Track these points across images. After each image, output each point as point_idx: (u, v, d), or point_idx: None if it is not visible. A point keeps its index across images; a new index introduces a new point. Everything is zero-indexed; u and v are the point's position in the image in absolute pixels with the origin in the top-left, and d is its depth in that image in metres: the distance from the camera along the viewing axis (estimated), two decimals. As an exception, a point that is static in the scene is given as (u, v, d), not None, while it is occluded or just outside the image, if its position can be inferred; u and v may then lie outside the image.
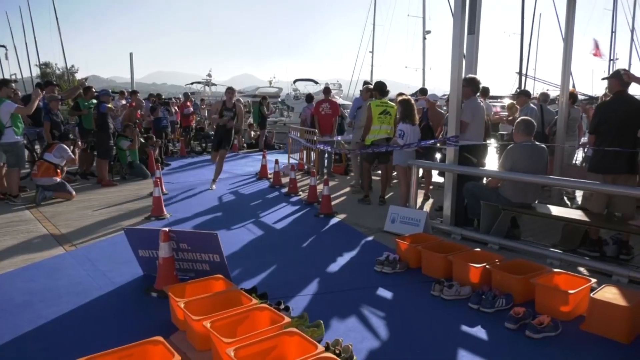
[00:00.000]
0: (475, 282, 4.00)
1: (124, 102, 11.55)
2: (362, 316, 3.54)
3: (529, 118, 5.54)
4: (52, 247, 5.15)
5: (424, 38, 35.63)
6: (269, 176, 9.68)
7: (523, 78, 22.40)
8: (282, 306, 3.50)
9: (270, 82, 34.81)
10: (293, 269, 4.58)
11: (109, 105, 9.04)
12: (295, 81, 30.39)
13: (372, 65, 37.64)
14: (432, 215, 6.36)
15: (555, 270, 4.02)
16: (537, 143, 5.35)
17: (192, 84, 38.81)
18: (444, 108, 8.15)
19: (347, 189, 8.77)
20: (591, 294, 3.44)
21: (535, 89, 23.05)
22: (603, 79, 5.41)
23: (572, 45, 7.26)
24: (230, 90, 8.69)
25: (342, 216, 6.65)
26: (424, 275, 4.40)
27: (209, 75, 37.62)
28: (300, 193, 8.15)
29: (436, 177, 8.65)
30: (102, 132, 8.85)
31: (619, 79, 4.92)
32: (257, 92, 28.87)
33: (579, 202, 6.99)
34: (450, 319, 3.54)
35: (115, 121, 9.65)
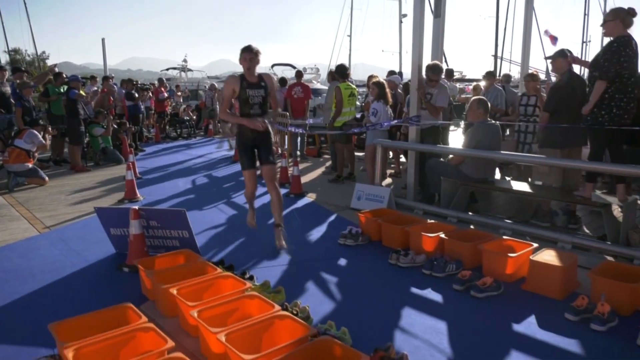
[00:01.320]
0: (430, 251, 4.29)
1: (95, 88, 11.51)
2: (322, 283, 3.80)
3: (484, 98, 5.83)
4: (25, 229, 5.27)
5: (400, 22, 35.83)
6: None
7: (498, 61, 22.84)
8: (247, 275, 3.73)
9: (248, 68, 34.49)
10: (260, 244, 4.80)
11: (80, 92, 9.05)
12: (273, 66, 30.32)
13: (350, 50, 37.73)
14: (399, 193, 6.64)
15: (502, 237, 4.34)
16: (493, 121, 5.65)
17: (167, 69, 38.36)
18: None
19: (321, 171, 8.99)
20: (531, 257, 3.76)
21: (511, 71, 23.49)
22: (547, 58, 5.68)
23: (531, 28, 7.58)
24: (249, 52, 4.33)
25: (312, 196, 6.89)
26: (384, 247, 4.67)
27: (185, 60, 37.22)
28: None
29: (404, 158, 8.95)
30: (72, 118, 8.87)
31: (565, 58, 5.22)
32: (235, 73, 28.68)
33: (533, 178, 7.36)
34: (404, 283, 3.82)
35: (87, 107, 9.66)
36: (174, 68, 38.63)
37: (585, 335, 3.02)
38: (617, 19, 4.37)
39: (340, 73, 7.80)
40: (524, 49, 7.79)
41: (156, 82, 15.80)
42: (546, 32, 5.21)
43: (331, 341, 2.49)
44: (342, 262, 4.32)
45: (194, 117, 16.76)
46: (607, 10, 4.70)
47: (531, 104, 6.36)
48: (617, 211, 5.09)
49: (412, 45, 6.00)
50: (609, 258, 4.24)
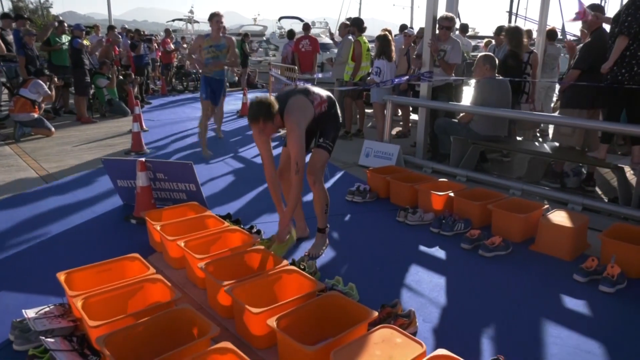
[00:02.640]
0: (438, 209, 4.25)
1: (98, 38, 11.26)
2: (330, 239, 3.78)
3: (490, 54, 5.64)
4: (33, 179, 5.27)
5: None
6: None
7: (513, 17, 22.09)
8: (255, 230, 3.72)
9: (255, 20, 33.85)
10: (267, 199, 4.75)
11: (84, 42, 8.84)
12: (280, 19, 29.58)
13: (360, 3, 36.56)
14: (408, 150, 6.55)
15: (512, 197, 4.28)
16: (501, 77, 5.47)
17: (173, 21, 37.56)
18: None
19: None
20: (541, 217, 3.71)
21: (526, 28, 22.69)
22: (575, 16, 5.40)
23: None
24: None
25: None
26: (392, 204, 4.63)
27: (191, 12, 36.40)
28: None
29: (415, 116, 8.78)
30: (77, 68, 8.70)
31: (598, 12, 4.99)
32: (241, 31, 28.13)
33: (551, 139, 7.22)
34: (412, 241, 3.81)
35: (91, 57, 9.47)
36: (180, 19, 37.79)
37: (593, 296, 3.00)
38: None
39: (358, 26, 7.52)
40: (543, 4, 7.45)
41: (162, 33, 15.44)
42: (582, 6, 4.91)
43: (339, 296, 2.48)
44: (350, 218, 4.30)
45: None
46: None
47: (523, 61, 6.13)
48: (630, 173, 5.00)
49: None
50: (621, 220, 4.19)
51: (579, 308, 2.89)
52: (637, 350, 2.49)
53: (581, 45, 5.42)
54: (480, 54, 5.83)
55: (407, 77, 6.63)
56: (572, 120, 5.03)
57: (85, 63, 8.80)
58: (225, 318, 2.62)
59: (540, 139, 7.35)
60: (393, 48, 6.97)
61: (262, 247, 3.07)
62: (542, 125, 7.29)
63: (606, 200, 4.85)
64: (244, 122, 9.30)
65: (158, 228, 3.28)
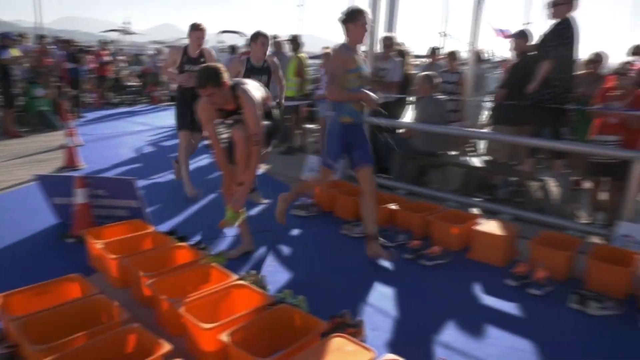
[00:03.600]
0: (381, 221, 4.40)
1: (24, 47, 10.69)
2: (276, 253, 3.82)
3: (431, 73, 5.96)
4: (-44, 198, 4.92)
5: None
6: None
7: (444, 38, 23.22)
8: (202, 245, 3.69)
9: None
10: (211, 214, 4.73)
11: (16, 53, 8.39)
12: (220, 33, 29.43)
13: (301, 20, 37.09)
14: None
15: (449, 209, 4.52)
16: (439, 96, 5.79)
17: (107, 32, 36.33)
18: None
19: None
20: (475, 227, 3.96)
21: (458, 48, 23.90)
22: (508, 36, 5.84)
23: (481, 6, 7.73)
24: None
25: (263, 167, 6.84)
26: (336, 218, 4.74)
27: (127, 23, 35.45)
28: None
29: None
30: (4, 79, 8.23)
31: (524, 38, 5.42)
32: (179, 44, 27.70)
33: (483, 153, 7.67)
34: (356, 252, 3.92)
35: (17, 68, 8.99)
36: (115, 30, 36.62)
37: (523, 299, 3.25)
38: (568, 3, 4.55)
39: (298, 44, 7.71)
40: (474, 27, 7.95)
41: (97, 45, 14.91)
42: (499, 30, 5.35)
43: (289, 309, 2.53)
44: (296, 232, 4.36)
45: (138, 84, 16.01)
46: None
47: (452, 80, 6.55)
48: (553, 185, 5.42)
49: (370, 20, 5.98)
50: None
51: (511, 310, 3.11)
52: (563, 346, 2.73)
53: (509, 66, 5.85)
54: (421, 73, 6.12)
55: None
56: (500, 136, 5.39)
57: (15, 74, 8.33)
58: (174, 336, 2.58)
59: (472, 154, 7.80)
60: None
61: (211, 262, 3.06)
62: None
63: (534, 210, 5.23)
64: (185, 136, 9.15)
65: (100, 246, 3.18)
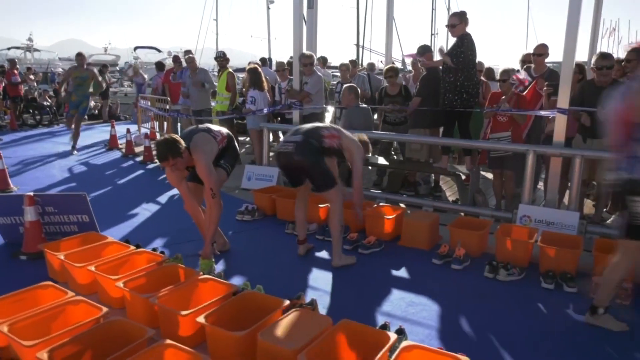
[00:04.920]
0: (322, 219, 4.87)
1: None
2: (229, 254, 4.16)
3: (354, 84, 6.57)
4: None
5: (268, 7, 36.06)
6: (120, 146, 9.53)
7: (360, 50, 24.40)
8: (159, 251, 3.93)
9: (106, 50, 32.41)
10: (161, 225, 4.96)
11: None
12: (135, 48, 28.75)
13: (217, 34, 36.95)
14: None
15: (380, 204, 5.09)
16: (364, 105, 6.39)
17: (9, 49, 34.05)
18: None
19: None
20: (403, 218, 4.53)
21: (372, 59, 25.17)
22: (416, 53, 6.55)
23: (392, 20, 8.54)
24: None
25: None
26: (279, 220, 5.13)
27: (30, 39, 33.45)
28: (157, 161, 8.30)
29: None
30: None
31: (430, 53, 6.15)
32: (91, 60, 26.70)
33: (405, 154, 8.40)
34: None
35: None
36: (17, 47, 34.41)
37: (448, 274, 3.84)
38: (463, 22, 5.31)
39: (226, 59, 8.05)
40: (387, 40, 8.75)
41: (6, 64, 14.18)
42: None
43: (253, 293, 2.90)
44: (244, 235, 4.70)
45: (53, 103, 15.38)
46: (451, 6, 5.59)
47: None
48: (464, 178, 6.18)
49: (293, 35, 6.48)
50: (462, 215, 5.22)
51: (437, 283, 3.68)
52: (481, 307, 3.32)
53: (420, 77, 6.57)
54: (345, 85, 6.68)
55: (280, 105, 7.26)
56: (418, 137, 6.07)
57: None
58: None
59: (395, 156, 8.53)
60: (264, 79, 7.57)
61: (175, 263, 3.33)
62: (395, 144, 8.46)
63: (450, 201, 5.95)
64: (115, 154, 9.11)
65: (62, 257, 3.34)
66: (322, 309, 3.18)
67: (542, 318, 3.21)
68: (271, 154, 8.43)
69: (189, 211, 3.95)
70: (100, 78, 9.31)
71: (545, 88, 5.13)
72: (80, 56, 8.88)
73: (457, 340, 2.89)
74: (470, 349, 2.71)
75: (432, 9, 31.94)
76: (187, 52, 9.31)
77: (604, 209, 5.31)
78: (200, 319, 2.52)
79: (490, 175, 6.26)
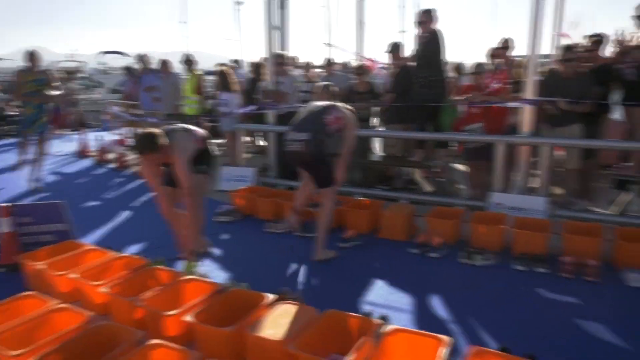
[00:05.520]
0: (305, 217, 4.92)
1: None
2: (211, 255, 4.19)
3: (328, 83, 6.64)
4: None
5: (238, 9, 35.84)
6: (92, 154, 9.39)
7: (331, 49, 24.53)
8: (139, 256, 3.93)
9: (72, 56, 31.80)
10: (142, 229, 4.94)
11: None
12: (101, 53, 28.31)
13: (187, 37, 36.53)
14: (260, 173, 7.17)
15: (358, 199, 5.19)
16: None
17: (-34, 58, 33.07)
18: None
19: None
20: (381, 211, 4.65)
21: (343, 58, 25.26)
22: (385, 51, 6.67)
23: (363, 18, 8.65)
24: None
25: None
26: (257, 219, 5.17)
27: (-11, 48, 32.56)
28: (131, 168, 8.22)
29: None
30: None
31: (399, 51, 6.28)
32: (57, 67, 26.14)
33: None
34: (283, 245, 4.43)
35: None
36: (-24, 57, 33.43)
37: (426, 262, 3.97)
38: (431, 19, 5.46)
39: (192, 62, 8.02)
40: (358, 38, 8.88)
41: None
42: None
43: (238, 290, 2.95)
44: (225, 236, 4.74)
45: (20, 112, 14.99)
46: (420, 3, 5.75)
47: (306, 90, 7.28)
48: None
49: (265, 37, 6.52)
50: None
51: (416, 271, 3.81)
52: (458, 291, 3.47)
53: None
54: (318, 83, 6.75)
55: (253, 107, 7.29)
56: (394, 133, 6.20)
57: None
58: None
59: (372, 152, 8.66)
60: (234, 80, 7.58)
61: (157, 266, 3.35)
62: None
63: (424, 193, 6.09)
64: (87, 162, 8.97)
65: (42, 266, 3.32)
66: (308, 302, 3.24)
67: (516, 298, 3.36)
68: (247, 155, 8.51)
69: (165, 213, 3.88)
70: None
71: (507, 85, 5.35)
72: (32, 55, 6.40)
73: (438, 323, 3.02)
74: (451, 330, 2.83)
75: (401, 6, 32.36)
76: (142, 56, 9.26)
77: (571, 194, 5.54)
78: (188, 318, 2.56)
79: (463, 167, 6.44)
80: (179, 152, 3.58)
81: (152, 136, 3.44)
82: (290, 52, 7.38)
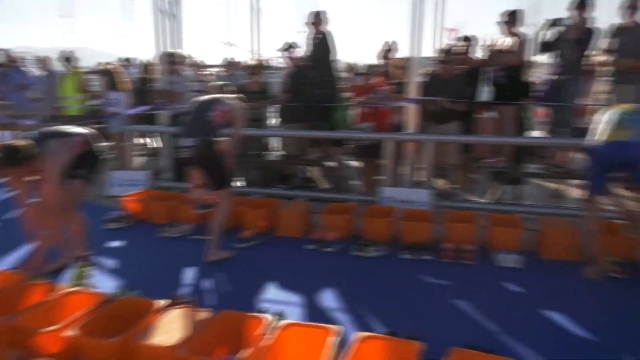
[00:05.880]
0: (195, 220, 4.83)
1: None
2: (102, 263, 3.95)
3: (225, 82, 6.57)
4: None
5: (132, 3, 34.00)
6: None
7: (230, 48, 24.18)
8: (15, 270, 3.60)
9: None
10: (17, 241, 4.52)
11: None
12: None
13: (74, 32, 33.93)
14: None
15: (256, 199, 5.21)
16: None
17: None
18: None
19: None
20: (279, 210, 4.72)
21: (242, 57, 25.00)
22: (278, 49, 6.74)
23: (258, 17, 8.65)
24: None
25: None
26: (150, 224, 4.96)
27: None
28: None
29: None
30: None
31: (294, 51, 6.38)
32: None
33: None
34: (179, 250, 4.32)
35: None
36: None
37: (321, 257, 4.11)
38: (321, 21, 5.63)
39: (71, 59, 7.46)
40: (252, 37, 8.88)
41: None
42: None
43: (127, 298, 2.83)
44: (116, 243, 4.49)
45: None
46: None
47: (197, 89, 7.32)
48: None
49: (155, 34, 6.28)
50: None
51: (314, 266, 3.93)
52: (351, 281, 3.65)
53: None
54: (213, 83, 6.63)
55: (145, 107, 6.98)
56: (287, 132, 6.29)
57: None
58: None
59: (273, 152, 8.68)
60: (124, 79, 7.20)
61: (37, 280, 3.10)
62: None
63: (321, 190, 6.26)
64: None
65: None
66: (204, 304, 3.20)
67: (403, 285, 3.61)
68: (141, 157, 8.12)
69: (29, 221, 3.55)
70: None
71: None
72: None
73: (332, 314, 3.15)
74: (344, 320, 2.98)
75: (299, 7, 32.82)
76: (6, 50, 8.50)
77: (453, 186, 6.03)
78: (71, 332, 2.41)
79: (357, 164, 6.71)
80: (48, 163, 3.32)
81: (12, 150, 3.16)
82: (186, 50, 7.21)
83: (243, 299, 3.33)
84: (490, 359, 2.37)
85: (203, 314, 2.61)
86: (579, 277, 3.61)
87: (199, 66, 9.12)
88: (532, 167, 5.89)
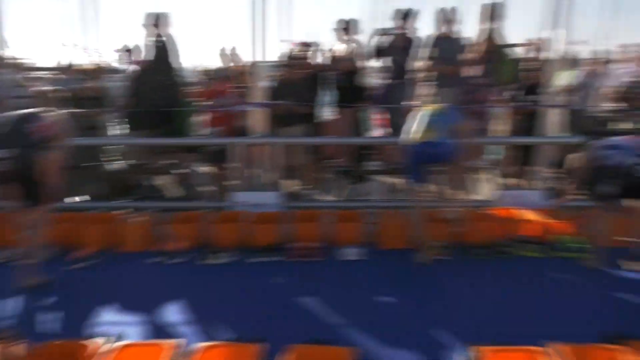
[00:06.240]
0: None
1: None
2: None
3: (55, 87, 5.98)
4: None
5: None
6: None
7: (75, 50, 21.94)
8: None
9: None
10: None
11: None
12: None
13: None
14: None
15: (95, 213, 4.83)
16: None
17: None
18: None
19: None
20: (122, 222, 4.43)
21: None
22: (116, 51, 6.32)
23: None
24: None
25: None
26: None
27: None
28: None
29: None
30: None
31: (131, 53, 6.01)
32: None
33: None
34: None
35: None
36: None
37: (166, 269, 4.00)
38: (164, 24, 5.46)
39: None
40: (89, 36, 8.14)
41: None
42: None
43: None
44: None
45: None
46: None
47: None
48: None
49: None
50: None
51: (158, 280, 3.82)
52: (200, 291, 3.60)
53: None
54: (40, 88, 5.97)
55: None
56: (130, 140, 5.93)
57: None
58: None
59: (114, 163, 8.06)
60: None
61: None
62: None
63: (169, 198, 6.01)
64: None
65: None
66: (28, 337, 2.86)
67: (251, 289, 3.64)
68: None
69: None
70: None
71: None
72: None
73: (176, 327, 3.05)
74: (188, 332, 2.91)
75: (138, 9, 31.12)
76: None
77: (303, 186, 6.24)
78: None
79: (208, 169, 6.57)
80: None
81: None
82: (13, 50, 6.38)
83: (77, 325, 3.05)
84: (329, 350, 2.50)
85: (20, 349, 2.33)
86: (411, 262, 4.00)
87: (26, 69, 8.11)
88: (373, 165, 6.35)
